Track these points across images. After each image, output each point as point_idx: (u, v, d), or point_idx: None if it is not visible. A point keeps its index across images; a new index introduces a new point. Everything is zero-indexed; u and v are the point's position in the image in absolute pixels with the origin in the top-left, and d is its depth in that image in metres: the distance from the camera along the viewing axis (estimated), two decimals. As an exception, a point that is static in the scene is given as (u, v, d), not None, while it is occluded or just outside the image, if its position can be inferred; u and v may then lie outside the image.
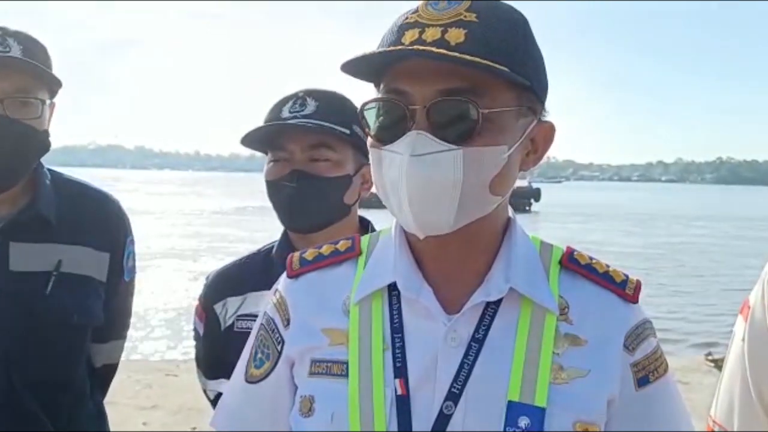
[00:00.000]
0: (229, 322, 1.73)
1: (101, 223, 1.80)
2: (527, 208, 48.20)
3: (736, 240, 28.37)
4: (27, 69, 1.59)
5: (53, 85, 1.68)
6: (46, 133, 1.67)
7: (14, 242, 1.66)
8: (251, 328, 1.65)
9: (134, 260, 1.91)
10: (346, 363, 1.02)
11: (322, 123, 1.64)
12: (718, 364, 7.93)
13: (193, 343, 1.89)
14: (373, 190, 1.48)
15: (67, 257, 1.70)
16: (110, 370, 1.96)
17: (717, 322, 11.20)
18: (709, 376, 7.51)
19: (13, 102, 1.58)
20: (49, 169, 1.78)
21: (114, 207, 1.87)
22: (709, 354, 8.52)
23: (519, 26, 0.98)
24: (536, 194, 51.23)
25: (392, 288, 1.04)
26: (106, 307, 1.80)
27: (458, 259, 1.03)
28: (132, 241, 1.89)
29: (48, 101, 1.67)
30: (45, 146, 1.68)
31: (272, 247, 1.80)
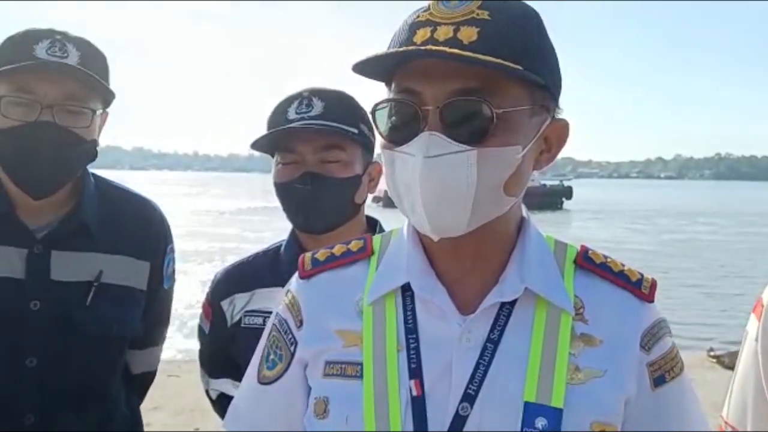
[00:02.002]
0: (237, 318, 1.73)
1: (143, 232, 1.78)
2: (560, 206, 49.42)
3: (756, 237, 28.38)
4: (81, 77, 1.57)
5: (107, 96, 1.66)
6: (93, 143, 1.65)
7: (56, 251, 1.64)
8: (258, 324, 1.67)
9: (174, 267, 1.89)
10: (361, 364, 1.01)
11: (332, 124, 1.64)
12: (720, 360, 7.95)
13: (196, 343, 1.89)
14: (381, 186, 1.48)
15: (108, 267, 1.68)
16: (149, 376, 1.95)
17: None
18: (711, 372, 7.52)
19: (62, 109, 1.55)
20: (93, 175, 1.76)
21: (156, 215, 1.85)
22: (711, 350, 8.53)
23: (532, 23, 0.97)
24: (568, 192, 52.59)
25: (406, 288, 1.03)
26: (145, 314, 1.78)
27: (472, 259, 1.02)
28: (172, 249, 1.87)
29: (100, 111, 1.65)
30: (91, 155, 1.67)
31: (280, 245, 1.80)
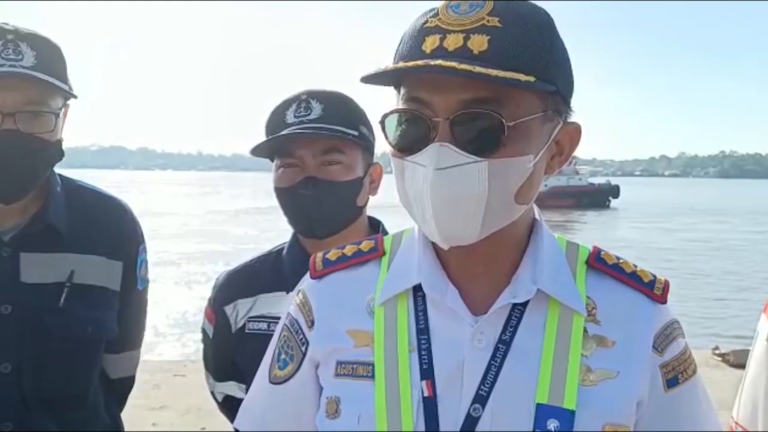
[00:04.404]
0: (240, 323, 1.72)
1: (114, 231, 1.75)
2: (607, 204, 50.15)
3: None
4: (39, 81, 1.52)
5: (67, 92, 1.61)
6: (58, 143, 1.62)
7: (25, 253, 1.61)
8: (263, 330, 1.66)
9: (147, 269, 1.86)
10: (372, 365, 1.01)
11: (332, 128, 1.63)
12: (725, 358, 7.94)
13: (201, 343, 1.88)
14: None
15: (80, 267, 1.65)
16: (127, 382, 1.91)
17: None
18: (716, 371, 7.50)
19: (24, 116, 1.52)
20: (60, 176, 1.73)
21: (126, 214, 1.82)
22: (717, 348, 8.50)
23: (544, 28, 0.95)
24: (615, 191, 53.25)
25: (417, 289, 1.03)
26: (119, 317, 1.75)
27: (484, 260, 1.01)
28: (144, 249, 1.84)
29: (62, 108, 1.61)
30: (57, 157, 1.64)
31: (282, 248, 1.79)
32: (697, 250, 22.98)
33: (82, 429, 1.70)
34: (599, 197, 52.11)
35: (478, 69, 0.86)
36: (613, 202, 52.46)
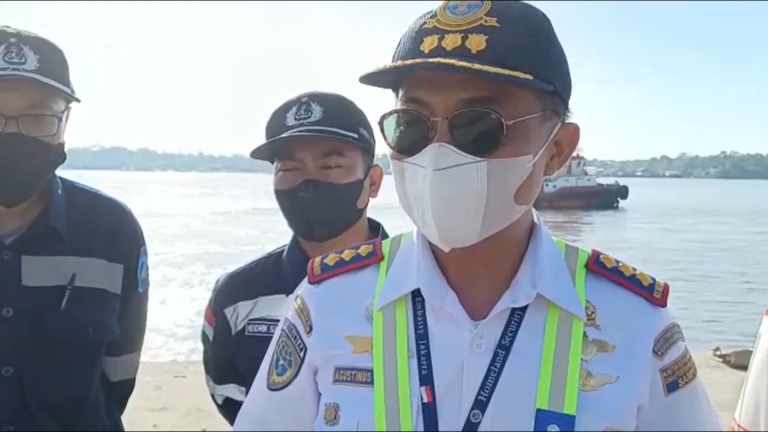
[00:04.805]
0: (240, 326, 1.72)
1: (114, 234, 1.75)
2: (615, 205, 50.49)
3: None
4: (42, 85, 1.52)
5: (69, 95, 1.61)
6: (60, 146, 1.61)
7: (26, 256, 1.61)
8: (263, 332, 1.66)
9: (147, 271, 1.86)
10: (371, 371, 1.00)
11: (331, 130, 1.63)
12: (726, 359, 7.94)
13: (201, 344, 1.88)
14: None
15: (81, 270, 1.65)
16: (127, 384, 1.91)
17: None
18: (717, 372, 7.50)
19: (27, 119, 1.52)
20: (60, 178, 1.73)
21: (127, 217, 1.81)
22: (717, 349, 8.50)
23: (541, 28, 0.95)
24: (624, 192, 53.64)
25: (416, 294, 1.02)
26: (120, 319, 1.75)
27: (483, 264, 1.01)
28: (145, 252, 1.84)
29: (64, 111, 1.61)
30: (59, 160, 1.64)
31: (282, 250, 1.79)
32: (702, 252, 23.02)
33: (83, 431, 1.69)
34: (608, 198, 52.72)
35: (477, 66, 0.86)
36: (621, 203, 52.87)
